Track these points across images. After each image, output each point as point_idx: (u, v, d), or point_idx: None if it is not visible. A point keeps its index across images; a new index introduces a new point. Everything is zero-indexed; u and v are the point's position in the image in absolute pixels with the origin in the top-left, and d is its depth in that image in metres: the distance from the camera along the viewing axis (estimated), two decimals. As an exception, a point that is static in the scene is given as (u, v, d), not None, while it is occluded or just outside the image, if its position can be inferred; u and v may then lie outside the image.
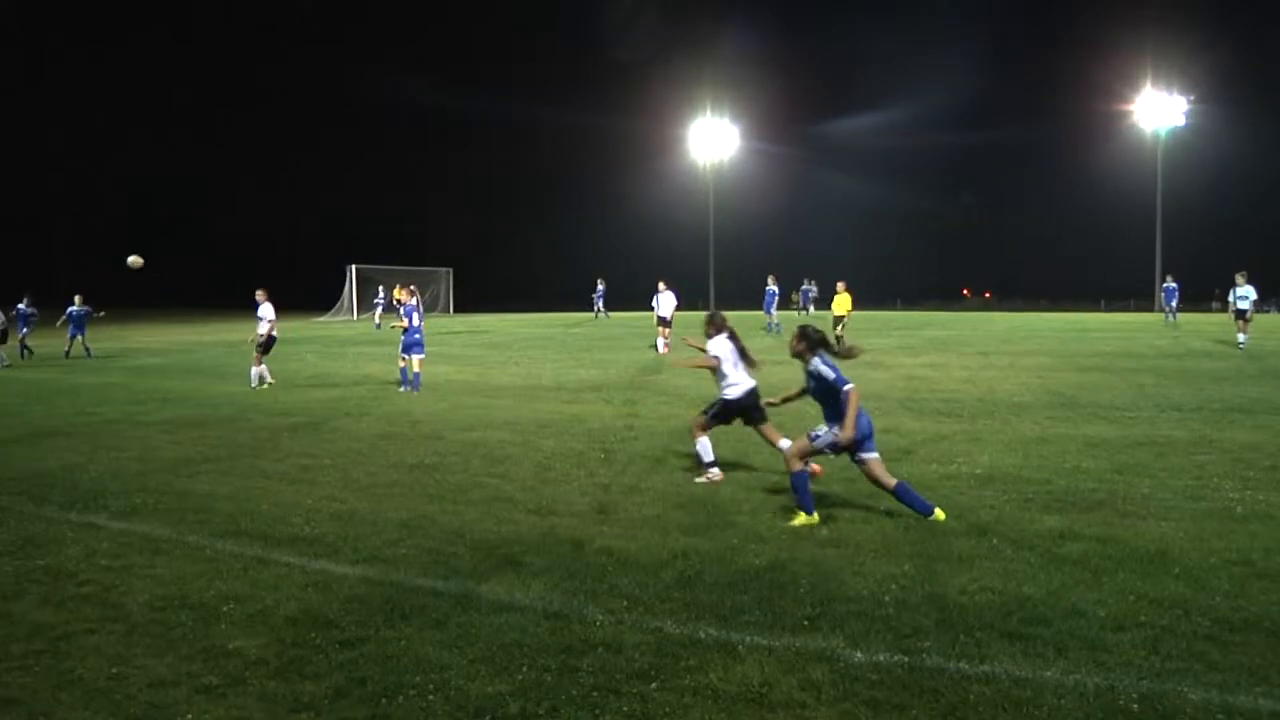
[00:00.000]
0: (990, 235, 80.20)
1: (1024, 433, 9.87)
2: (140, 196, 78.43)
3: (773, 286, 29.47)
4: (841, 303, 23.25)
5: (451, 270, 54.51)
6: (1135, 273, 57.86)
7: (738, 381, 7.85)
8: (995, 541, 5.87)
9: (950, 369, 16.96)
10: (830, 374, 6.36)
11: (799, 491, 6.47)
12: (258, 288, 16.05)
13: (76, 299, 23.79)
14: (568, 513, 6.85)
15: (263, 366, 15.69)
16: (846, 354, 6.80)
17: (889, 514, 6.56)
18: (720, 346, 7.91)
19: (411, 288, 15.81)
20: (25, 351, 23.64)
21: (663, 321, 22.08)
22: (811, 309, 39.56)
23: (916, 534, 6.08)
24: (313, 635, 4.55)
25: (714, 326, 8.08)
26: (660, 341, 21.64)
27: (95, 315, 24.20)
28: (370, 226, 75.01)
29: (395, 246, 60.58)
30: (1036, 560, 5.48)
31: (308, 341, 28.69)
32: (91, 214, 78.75)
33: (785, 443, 7.34)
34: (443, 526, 6.50)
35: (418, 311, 15.05)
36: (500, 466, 8.55)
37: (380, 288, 38.39)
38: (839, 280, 24.17)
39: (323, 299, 50.92)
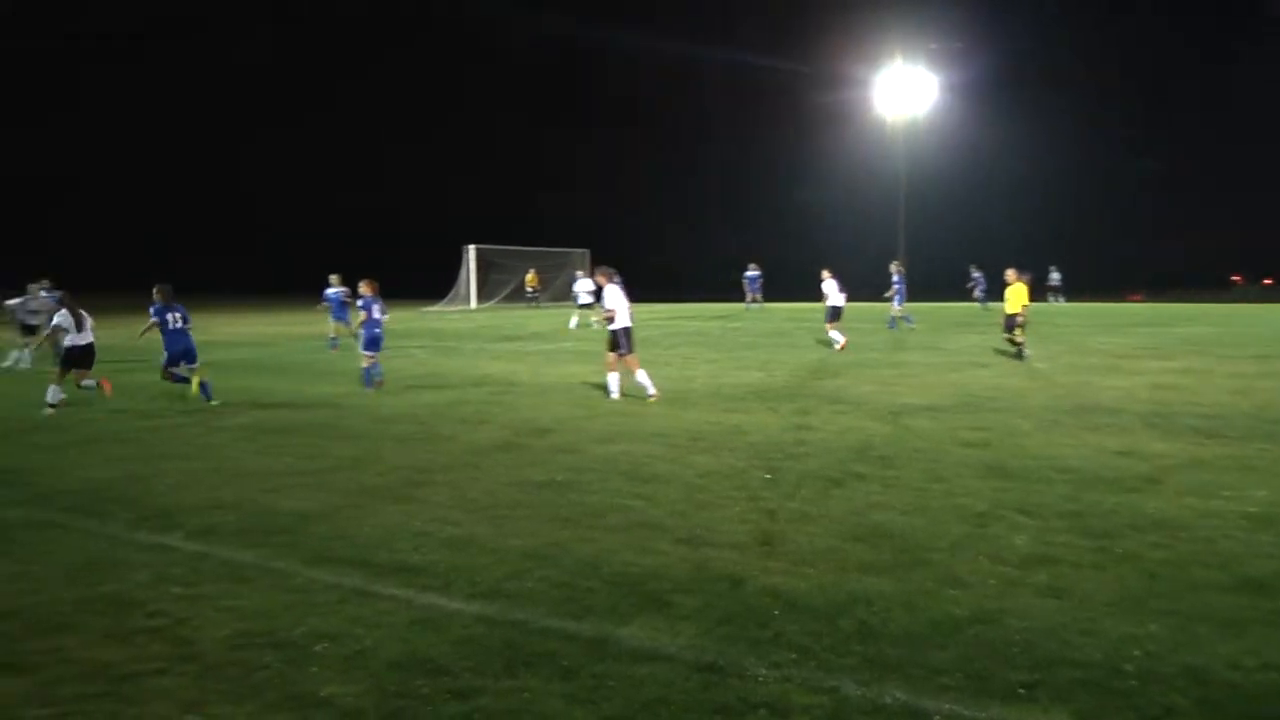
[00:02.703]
0: (1271, 197, 73.85)
1: (1317, 460, 9.10)
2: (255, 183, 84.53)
3: (754, 270, 31.87)
4: (1016, 296, 20.02)
5: (588, 252, 55.25)
6: None
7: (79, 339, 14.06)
8: (1278, 603, 5.45)
9: (1213, 376, 15.88)
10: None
11: (174, 381, 14.08)
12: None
13: (333, 279, 24.60)
14: (725, 543, 6.83)
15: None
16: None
17: (1128, 558, 6.20)
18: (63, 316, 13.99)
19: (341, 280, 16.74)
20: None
21: (836, 314, 22.76)
22: (983, 300, 38.77)
23: (1166, 585, 5.73)
24: (419, 683, 4.65)
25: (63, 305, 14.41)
26: (837, 335, 22.15)
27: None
28: (481, 200, 77.55)
29: (505, 226, 62.15)
30: (1338, 630, 5.04)
31: (416, 335, 29.64)
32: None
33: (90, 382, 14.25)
34: (575, 557, 6.58)
35: (378, 304, 15.91)
36: (645, 486, 8.63)
37: (578, 273, 37.48)
38: (1009, 268, 20.63)
39: (434, 285, 51.36)
